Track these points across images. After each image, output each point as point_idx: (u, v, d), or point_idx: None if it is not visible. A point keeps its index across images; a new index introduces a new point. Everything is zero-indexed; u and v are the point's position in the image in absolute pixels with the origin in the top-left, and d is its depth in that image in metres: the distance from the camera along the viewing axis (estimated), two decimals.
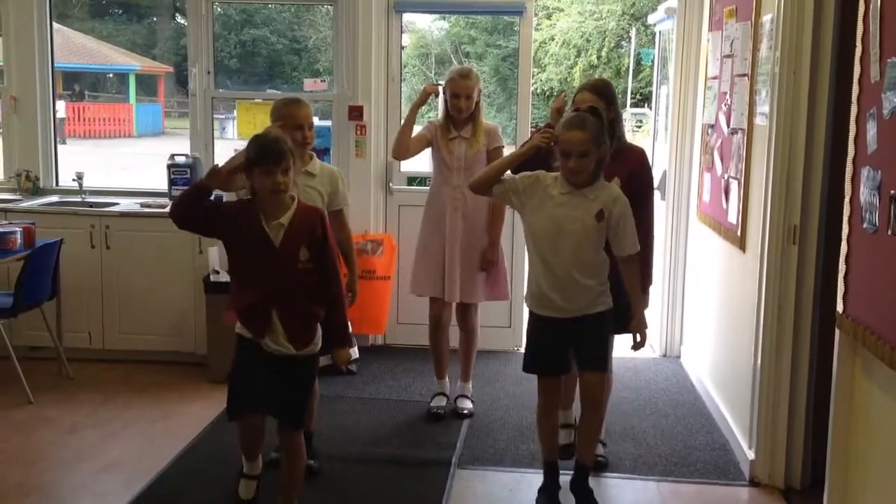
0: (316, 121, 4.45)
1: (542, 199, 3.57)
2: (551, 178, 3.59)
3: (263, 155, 3.16)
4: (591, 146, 3.46)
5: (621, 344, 3.90)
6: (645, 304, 3.84)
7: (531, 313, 3.74)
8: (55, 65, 6.15)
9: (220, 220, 3.32)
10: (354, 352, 5.47)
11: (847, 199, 2.98)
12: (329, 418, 4.60)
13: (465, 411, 4.77)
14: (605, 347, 3.72)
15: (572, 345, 3.67)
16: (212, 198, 3.38)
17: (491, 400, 5.05)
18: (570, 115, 3.57)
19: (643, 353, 6.02)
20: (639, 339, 3.73)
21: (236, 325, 3.37)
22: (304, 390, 3.47)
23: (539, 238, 3.60)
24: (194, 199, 3.30)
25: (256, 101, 6.20)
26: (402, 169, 6.01)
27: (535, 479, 3.92)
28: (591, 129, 3.46)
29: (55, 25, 6.24)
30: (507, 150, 4.36)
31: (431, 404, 4.83)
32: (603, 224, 3.53)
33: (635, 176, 3.88)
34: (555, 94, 26.94)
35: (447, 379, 4.91)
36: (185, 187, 5.69)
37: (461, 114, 4.61)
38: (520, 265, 5.64)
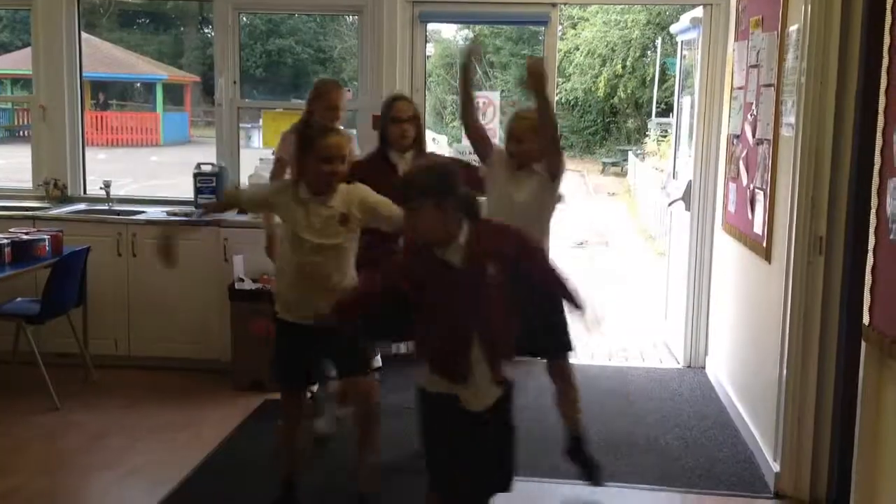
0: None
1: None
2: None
3: None
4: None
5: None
6: None
7: None
8: (83, 74, 6.23)
9: None
10: (377, 360, 5.47)
11: (873, 211, 2.96)
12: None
13: None
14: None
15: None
16: None
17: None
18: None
19: (667, 363, 6.07)
20: None
21: None
22: None
23: None
24: None
25: (281, 110, 6.23)
26: None
27: (556, 489, 3.91)
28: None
29: (83, 35, 6.31)
30: None
31: None
32: None
33: None
34: (579, 103, 27.06)
35: None
36: (212, 196, 5.77)
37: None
38: None
